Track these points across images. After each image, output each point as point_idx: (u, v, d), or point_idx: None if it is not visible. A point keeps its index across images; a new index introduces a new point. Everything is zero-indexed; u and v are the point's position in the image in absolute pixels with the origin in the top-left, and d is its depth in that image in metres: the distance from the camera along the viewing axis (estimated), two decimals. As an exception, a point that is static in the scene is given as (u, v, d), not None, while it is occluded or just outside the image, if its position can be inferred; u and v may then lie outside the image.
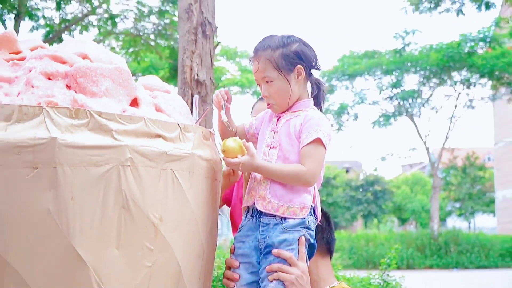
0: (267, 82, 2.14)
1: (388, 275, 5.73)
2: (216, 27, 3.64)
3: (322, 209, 2.26)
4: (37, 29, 12.00)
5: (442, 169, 30.83)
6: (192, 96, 3.28)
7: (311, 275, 2.11)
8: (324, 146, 2.06)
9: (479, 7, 13.12)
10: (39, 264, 1.68)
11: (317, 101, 2.24)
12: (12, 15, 11.22)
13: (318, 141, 2.04)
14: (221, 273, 2.97)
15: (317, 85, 2.25)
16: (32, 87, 1.90)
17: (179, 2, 3.80)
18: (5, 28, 9.78)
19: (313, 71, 2.25)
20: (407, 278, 5.94)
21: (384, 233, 27.67)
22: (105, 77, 1.95)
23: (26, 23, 11.37)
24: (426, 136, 22.16)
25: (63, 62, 2.02)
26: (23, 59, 2.11)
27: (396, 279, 5.77)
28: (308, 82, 2.24)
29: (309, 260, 2.10)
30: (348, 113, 21.94)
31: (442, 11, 15.44)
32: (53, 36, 11.71)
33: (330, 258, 2.31)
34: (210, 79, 3.65)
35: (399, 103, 21.64)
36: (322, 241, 2.24)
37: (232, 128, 2.26)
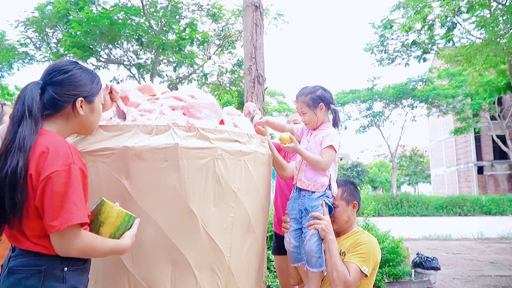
0: (303, 114, 2.11)
1: (368, 220, 5.59)
2: (265, 78, 3.59)
3: (353, 182, 2.19)
4: (163, 82, 12.29)
5: (397, 157, 29.94)
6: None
7: (344, 222, 2.09)
8: (335, 150, 2.02)
9: (419, 61, 12.70)
10: (169, 216, 1.68)
11: (335, 122, 2.16)
12: (148, 75, 11.60)
13: (331, 147, 2.00)
14: (271, 220, 2.90)
15: (334, 112, 2.17)
16: (163, 114, 1.91)
17: (243, 65, 3.78)
18: (145, 82, 10.10)
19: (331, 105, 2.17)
20: (379, 222, 5.75)
21: (363, 195, 26.94)
22: (205, 108, 1.94)
23: (156, 79, 11.65)
24: (387, 138, 21.46)
25: (181, 100, 2.03)
26: (157, 98, 2.13)
27: (373, 223, 5.61)
28: (329, 110, 2.15)
29: (331, 215, 2.03)
30: (341, 126, 21.54)
31: (396, 64, 15.01)
32: (172, 86, 11.90)
33: (357, 212, 2.19)
34: (263, 108, 3.61)
35: (371, 119, 21.05)
36: (357, 200, 2.14)
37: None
